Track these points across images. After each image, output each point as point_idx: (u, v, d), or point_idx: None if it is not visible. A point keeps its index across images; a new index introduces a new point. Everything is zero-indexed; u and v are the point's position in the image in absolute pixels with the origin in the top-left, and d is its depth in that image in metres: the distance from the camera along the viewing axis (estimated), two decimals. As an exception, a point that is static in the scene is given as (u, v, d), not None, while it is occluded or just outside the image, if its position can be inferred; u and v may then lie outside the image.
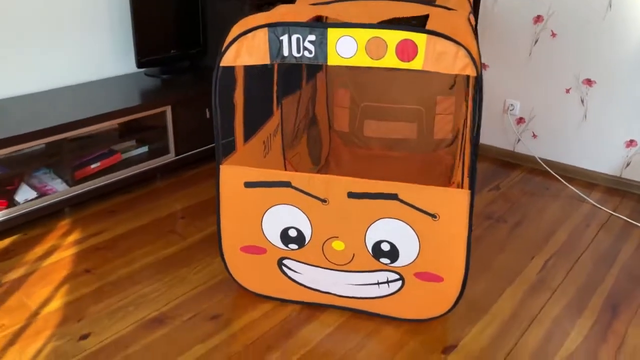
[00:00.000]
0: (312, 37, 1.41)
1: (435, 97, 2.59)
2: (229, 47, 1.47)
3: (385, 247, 1.58)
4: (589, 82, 2.61)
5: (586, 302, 1.84)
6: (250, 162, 1.86)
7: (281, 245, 1.67)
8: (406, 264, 1.60)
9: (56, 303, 1.76)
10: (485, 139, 3.03)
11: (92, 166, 2.37)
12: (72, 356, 1.55)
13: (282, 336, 1.65)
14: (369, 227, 1.57)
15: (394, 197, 1.52)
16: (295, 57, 1.44)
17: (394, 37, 1.36)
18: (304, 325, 1.70)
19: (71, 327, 1.66)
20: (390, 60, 1.38)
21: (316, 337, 1.65)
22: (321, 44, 1.41)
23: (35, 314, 1.71)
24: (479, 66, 1.37)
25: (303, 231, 1.63)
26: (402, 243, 1.57)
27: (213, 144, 1.62)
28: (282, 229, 1.64)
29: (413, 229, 1.54)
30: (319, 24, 1.40)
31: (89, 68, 2.71)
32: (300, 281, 1.72)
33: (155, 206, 2.39)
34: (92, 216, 2.30)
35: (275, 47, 1.44)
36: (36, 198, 2.17)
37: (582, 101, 2.66)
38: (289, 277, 1.72)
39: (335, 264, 1.65)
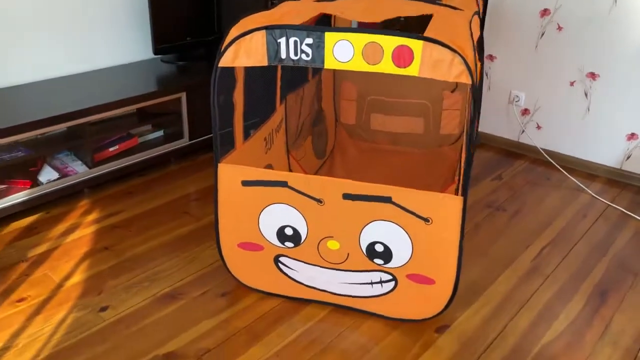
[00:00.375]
0: (309, 41, 1.42)
1: (442, 92, 2.63)
2: (227, 48, 1.48)
3: (379, 248, 1.61)
4: (592, 75, 2.67)
5: (577, 288, 1.94)
6: (251, 159, 1.88)
7: (277, 243, 1.70)
8: (399, 265, 1.62)
9: (77, 277, 1.89)
10: (491, 129, 3.10)
11: (111, 149, 2.49)
12: (93, 326, 1.68)
13: (273, 321, 1.77)
14: (363, 228, 1.59)
15: (388, 200, 1.54)
16: (293, 60, 1.45)
17: (390, 42, 1.37)
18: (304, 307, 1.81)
19: (91, 300, 1.79)
20: (387, 66, 1.39)
21: (309, 322, 1.76)
22: (318, 48, 1.42)
23: (59, 286, 1.85)
24: (475, 74, 1.37)
25: (299, 230, 1.65)
26: (395, 245, 1.59)
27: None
28: (278, 227, 1.67)
29: (406, 232, 1.57)
30: (317, 28, 1.41)
31: (108, 54, 2.82)
32: (296, 278, 1.75)
33: (170, 188, 2.51)
34: (110, 197, 2.42)
35: (272, 50, 1.46)
36: (58, 179, 2.30)
37: (586, 94, 2.72)
38: (285, 274, 1.75)
39: (330, 262, 1.68)
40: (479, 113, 2.30)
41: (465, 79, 1.36)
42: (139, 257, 2.01)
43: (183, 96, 2.63)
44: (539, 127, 2.92)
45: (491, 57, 2.98)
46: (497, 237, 2.22)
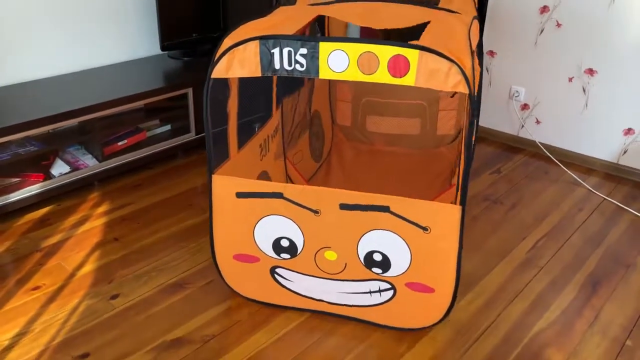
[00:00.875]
0: (303, 51, 1.40)
1: (438, 93, 2.65)
2: (220, 58, 1.46)
3: (377, 257, 1.59)
4: (590, 71, 2.72)
5: (569, 279, 2.00)
6: (245, 168, 1.86)
7: (273, 255, 1.68)
8: (398, 274, 1.61)
9: (89, 267, 1.98)
10: (491, 123, 3.16)
11: (120, 143, 2.57)
12: (104, 313, 1.77)
13: (275, 310, 1.84)
14: (361, 237, 1.58)
15: (385, 209, 1.52)
16: (287, 71, 1.43)
17: (386, 52, 1.35)
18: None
19: (102, 288, 1.88)
20: (382, 76, 1.37)
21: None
22: (313, 58, 1.40)
23: (71, 275, 1.93)
24: (473, 83, 1.35)
25: (295, 241, 1.63)
26: (393, 254, 1.58)
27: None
28: (274, 239, 1.65)
29: (404, 241, 1.55)
30: (311, 38, 1.39)
31: (116, 50, 2.89)
32: (293, 289, 1.73)
33: (177, 181, 2.59)
34: (119, 189, 2.50)
35: (266, 60, 1.44)
36: (69, 172, 2.38)
37: (584, 90, 2.77)
38: (282, 285, 1.74)
39: (327, 273, 1.66)
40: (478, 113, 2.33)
41: (463, 89, 1.33)
42: (148, 248, 2.09)
43: (189, 91, 2.70)
44: (538, 122, 2.98)
45: (492, 53, 3.03)
46: (494, 229, 2.29)
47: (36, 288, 1.86)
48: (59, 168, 2.39)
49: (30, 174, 2.31)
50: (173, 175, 2.65)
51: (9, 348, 1.62)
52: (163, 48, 2.87)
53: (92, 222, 2.24)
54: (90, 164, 2.45)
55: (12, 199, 2.21)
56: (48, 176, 2.34)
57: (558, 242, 2.22)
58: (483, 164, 2.85)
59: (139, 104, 2.54)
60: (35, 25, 2.54)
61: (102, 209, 2.34)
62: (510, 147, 3.07)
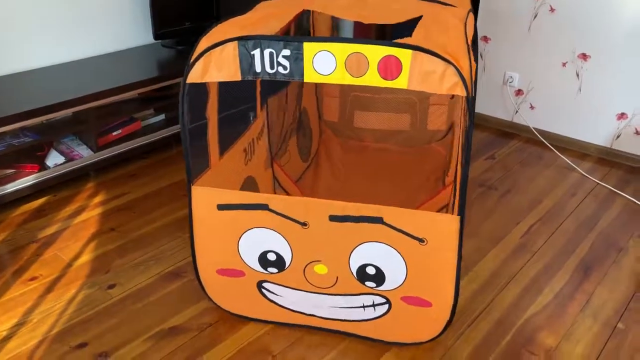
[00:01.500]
0: (286, 52, 1.29)
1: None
2: (195, 62, 1.35)
3: (371, 270, 1.50)
4: (584, 56, 2.72)
5: (562, 263, 2.02)
6: (229, 175, 1.76)
7: (260, 269, 1.58)
8: (393, 287, 1.52)
9: (86, 257, 1.99)
10: (485, 109, 3.16)
11: (114, 133, 2.57)
12: (102, 302, 1.78)
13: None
14: (352, 250, 1.48)
15: (378, 220, 1.43)
16: (269, 74, 1.32)
17: (376, 52, 1.25)
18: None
19: (99, 278, 1.89)
20: (372, 78, 1.28)
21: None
22: (296, 60, 1.29)
23: (68, 266, 1.95)
24: (470, 84, 1.26)
25: (283, 255, 1.54)
26: (388, 267, 1.49)
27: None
28: (260, 253, 1.55)
29: (399, 253, 1.46)
30: (295, 38, 1.29)
31: (109, 40, 2.88)
32: (281, 304, 1.65)
33: (172, 171, 2.60)
34: (115, 179, 2.51)
35: (246, 63, 1.32)
36: (64, 163, 2.38)
37: (577, 75, 2.77)
38: (270, 300, 1.65)
39: (318, 287, 1.57)
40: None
41: (460, 91, 1.24)
42: (144, 238, 2.10)
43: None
44: (532, 107, 2.98)
45: (486, 39, 3.03)
46: (488, 215, 2.31)
47: (33, 279, 1.88)
48: (54, 159, 2.39)
49: (25, 165, 2.31)
50: (168, 164, 2.66)
51: (7, 338, 1.64)
52: (156, 37, 2.86)
53: (88, 213, 2.25)
54: (84, 154, 2.45)
55: (7, 190, 2.21)
56: (43, 167, 2.34)
57: (551, 227, 2.23)
58: (477, 150, 2.86)
59: (133, 93, 2.53)
60: (28, 16, 2.53)
61: (98, 199, 2.35)
62: (504, 133, 3.07)
